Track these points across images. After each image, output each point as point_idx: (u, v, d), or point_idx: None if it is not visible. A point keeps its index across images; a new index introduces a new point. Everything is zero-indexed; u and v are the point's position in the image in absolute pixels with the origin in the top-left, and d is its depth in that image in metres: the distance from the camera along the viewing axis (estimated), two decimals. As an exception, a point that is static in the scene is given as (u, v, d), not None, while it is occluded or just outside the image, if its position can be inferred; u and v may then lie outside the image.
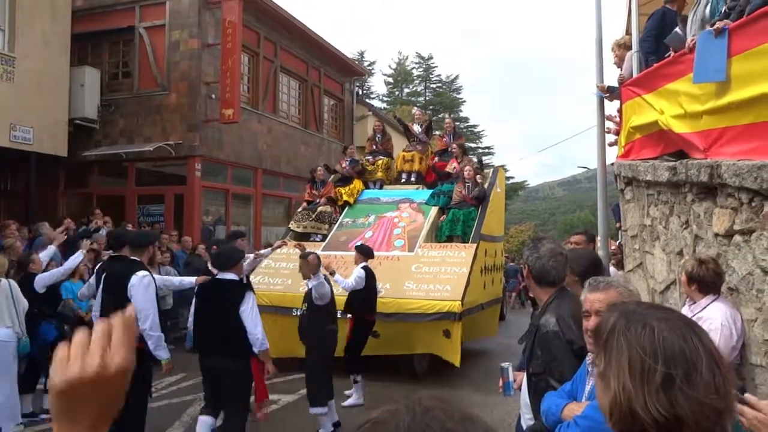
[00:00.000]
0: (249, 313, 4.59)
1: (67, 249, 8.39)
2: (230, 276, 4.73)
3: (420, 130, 11.42)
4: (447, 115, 12.94)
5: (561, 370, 2.25)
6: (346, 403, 6.76)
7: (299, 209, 10.54)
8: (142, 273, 4.53)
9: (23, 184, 12.09)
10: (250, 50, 13.95)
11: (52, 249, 6.81)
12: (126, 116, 12.71)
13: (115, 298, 4.43)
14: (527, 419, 2.57)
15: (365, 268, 7.15)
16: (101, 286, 4.73)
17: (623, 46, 6.70)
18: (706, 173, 3.74)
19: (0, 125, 10.35)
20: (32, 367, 6.31)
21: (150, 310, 4.44)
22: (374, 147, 11.54)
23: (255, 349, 4.65)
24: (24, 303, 5.76)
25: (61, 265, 6.75)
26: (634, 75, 5.93)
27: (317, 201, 10.22)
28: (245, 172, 14.17)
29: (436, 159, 11.20)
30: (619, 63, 6.70)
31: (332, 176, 10.90)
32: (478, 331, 9.22)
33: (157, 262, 8.80)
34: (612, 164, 7.18)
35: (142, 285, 4.46)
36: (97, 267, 5.43)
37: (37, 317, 6.23)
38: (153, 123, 12.53)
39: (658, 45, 5.57)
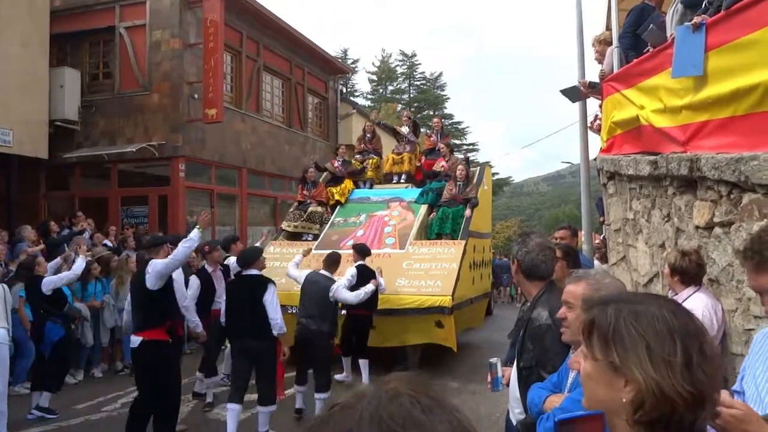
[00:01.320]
0: (270, 301, 5.30)
1: (49, 252, 8.32)
2: (253, 271, 5.51)
3: (408, 131, 11.51)
4: (433, 113, 13.07)
5: (554, 362, 2.27)
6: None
7: (291, 209, 10.56)
8: (154, 262, 5.03)
9: (4, 187, 11.90)
10: (232, 49, 13.86)
11: (58, 261, 7.11)
12: (107, 117, 12.57)
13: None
14: (517, 414, 2.57)
15: (359, 266, 7.27)
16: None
17: (604, 42, 6.76)
18: (686, 167, 3.80)
19: (-22, 128, 10.20)
20: (44, 366, 6.46)
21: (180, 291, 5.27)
22: (363, 146, 11.59)
23: (274, 332, 5.32)
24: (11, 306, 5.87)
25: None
26: (615, 70, 5.99)
27: (308, 201, 10.24)
28: (230, 172, 14.09)
29: (424, 158, 11.27)
30: (600, 59, 6.77)
31: (323, 176, 10.91)
32: (464, 322, 9.35)
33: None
34: (595, 159, 7.26)
35: (151, 272, 4.94)
36: None
37: (44, 318, 6.42)
38: (135, 124, 12.40)
39: (637, 40, 5.64)
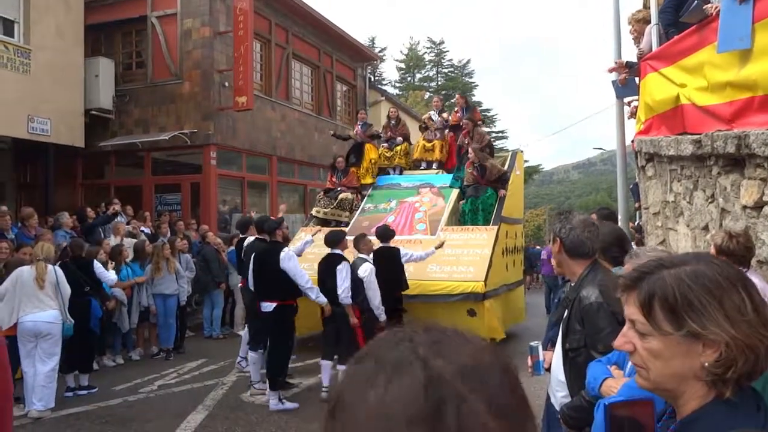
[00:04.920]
0: (340, 275, 6.27)
1: (87, 236, 8.52)
2: (337, 251, 6.54)
3: (438, 118, 11.38)
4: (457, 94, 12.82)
5: (606, 342, 2.16)
6: None
7: (320, 195, 10.59)
8: (286, 249, 6.30)
9: (42, 175, 12.20)
10: (261, 37, 13.90)
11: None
12: (141, 106, 12.75)
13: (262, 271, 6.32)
14: (560, 397, 2.47)
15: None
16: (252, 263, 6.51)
17: (641, 21, 6.54)
18: (733, 144, 3.65)
19: (18, 117, 10.44)
20: (85, 345, 6.70)
21: (299, 273, 6.19)
22: (390, 133, 11.49)
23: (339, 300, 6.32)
24: (67, 290, 6.10)
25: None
26: (654, 49, 5.79)
27: (338, 189, 10.24)
28: (260, 159, 14.18)
29: (450, 132, 11.08)
30: (638, 38, 6.55)
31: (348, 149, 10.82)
32: (511, 317, 9.23)
33: (177, 249, 8.87)
34: (632, 142, 7.06)
35: (288, 258, 6.16)
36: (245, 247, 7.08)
37: (89, 295, 6.78)
38: (167, 112, 12.55)
39: (678, 16, 5.43)
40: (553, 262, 2.71)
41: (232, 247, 9.03)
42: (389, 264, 7.26)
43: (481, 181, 9.48)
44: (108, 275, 7.14)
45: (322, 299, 6.28)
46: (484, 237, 8.65)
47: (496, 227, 8.84)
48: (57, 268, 6.08)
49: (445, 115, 11.70)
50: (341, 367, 6.17)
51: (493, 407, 0.55)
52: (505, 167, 10.26)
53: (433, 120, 11.46)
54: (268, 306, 6.18)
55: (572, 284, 2.53)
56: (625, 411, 1.44)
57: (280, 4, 14.35)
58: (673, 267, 1.06)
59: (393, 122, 11.56)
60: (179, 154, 12.87)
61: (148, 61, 12.90)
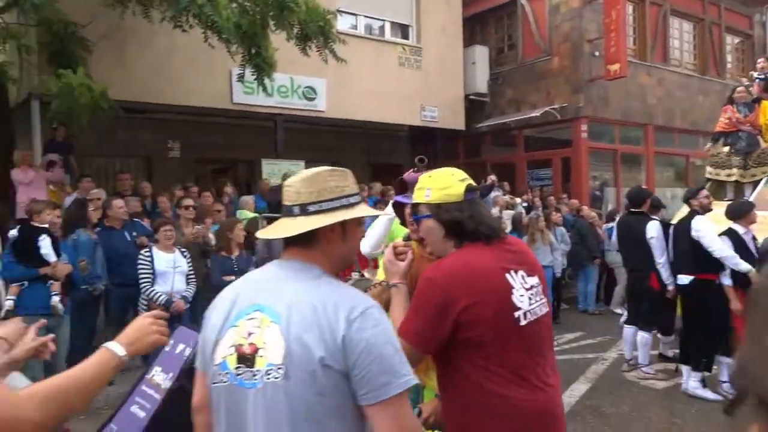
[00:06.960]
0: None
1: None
2: (737, 226, 5.54)
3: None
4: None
5: None
6: None
7: (710, 145, 8.70)
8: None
9: (431, 156, 13.91)
10: (634, -2, 12.87)
11: None
12: (512, 86, 13.28)
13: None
14: None
15: None
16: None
17: None
18: None
19: (413, 108, 12.15)
20: None
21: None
22: None
23: None
24: None
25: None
26: None
27: (737, 133, 8.12)
28: (634, 130, 13.22)
29: None
30: None
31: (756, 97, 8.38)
32: None
33: (552, 222, 9.02)
34: None
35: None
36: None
37: None
38: (537, 90, 12.77)
39: None
40: None
41: (611, 224, 8.72)
42: None
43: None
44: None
45: (743, 266, 5.19)
46: None
47: None
48: None
49: None
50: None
51: None
52: None
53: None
54: (684, 279, 5.65)
55: None
56: None
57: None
58: None
59: None
60: (550, 130, 12.98)
61: (518, 43, 13.34)
